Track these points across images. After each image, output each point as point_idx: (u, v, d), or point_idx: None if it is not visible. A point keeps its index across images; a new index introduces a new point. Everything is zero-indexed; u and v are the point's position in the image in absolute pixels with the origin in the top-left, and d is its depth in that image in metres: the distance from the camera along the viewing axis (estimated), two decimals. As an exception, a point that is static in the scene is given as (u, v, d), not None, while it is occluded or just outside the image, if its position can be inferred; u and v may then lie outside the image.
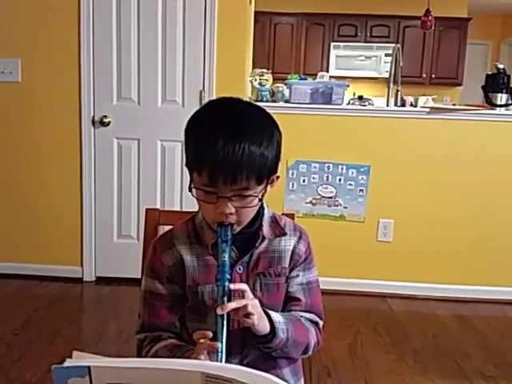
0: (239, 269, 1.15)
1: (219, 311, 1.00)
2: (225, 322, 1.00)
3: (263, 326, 1.08)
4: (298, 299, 1.21)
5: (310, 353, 1.22)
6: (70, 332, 2.80)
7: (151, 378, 0.71)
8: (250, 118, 1.08)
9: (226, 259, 1.06)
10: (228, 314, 1.01)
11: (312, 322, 1.22)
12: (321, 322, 1.25)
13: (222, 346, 0.98)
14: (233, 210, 1.06)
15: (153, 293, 1.19)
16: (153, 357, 1.14)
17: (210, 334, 0.99)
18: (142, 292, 1.21)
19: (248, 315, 1.03)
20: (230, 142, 1.01)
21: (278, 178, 1.13)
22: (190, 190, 1.09)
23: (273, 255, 1.18)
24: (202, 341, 1.00)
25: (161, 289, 1.18)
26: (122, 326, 2.87)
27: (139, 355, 1.25)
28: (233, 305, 1.01)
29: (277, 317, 1.11)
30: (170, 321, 1.19)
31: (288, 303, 1.22)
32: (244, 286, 1.06)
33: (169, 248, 1.18)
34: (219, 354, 0.97)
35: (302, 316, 1.21)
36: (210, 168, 1.02)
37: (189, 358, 1.02)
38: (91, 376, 0.70)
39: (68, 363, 0.70)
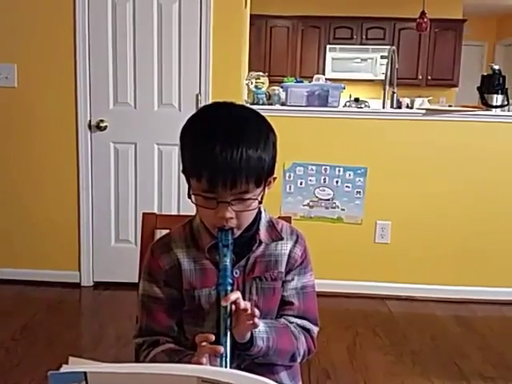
0: (236, 273, 1.15)
1: (224, 304, 0.99)
2: (228, 324, 0.99)
3: (243, 334, 1.07)
4: (292, 303, 1.21)
5: (299, 360, 1.21)
6: (68, 337, 2.79)
7: (147, 383, 0.71)
8: (246, 122, 1.08)
9: (228, 264, 1.05)
10: (231, 317, 1.00)
11: (304, 329, 1.21)
12: (315, 329, 1.24)
13: (226, 350, 0.97)
14: (233, 214, 1.06)
15: (150, 297, 1.19)
16: (151, 362, 1.13)
17: (213, 338, 0.98)
18: (139, 296, 1.21)
19: (252, 317, 1.02)
20: (227, 148, 1.01)
21: (274, 179, 1.13)
22: (190, 197, 1.09)
23: (269, 259, 1.18)
24: (203, 344, 0.99)
25: (158, 292, 1.18)
26: (120, 330, 2.87)
27: (137, 360, 1.25)
28: (234, 296, 1.00)
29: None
30: (168, 325, 1.18)
31: (281, 307, 1.21)
32: (236, 295, 1.02)
33: (166, 251, 1.18)
34: (223, 359, 0.96)
35: (293, 322, 1.20)
36: (209, 174, 1.02)
37: (189, 362, 1.02)
38: (87, 381, 0.70)
39: (64, 369, 0.70)
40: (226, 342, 0.98)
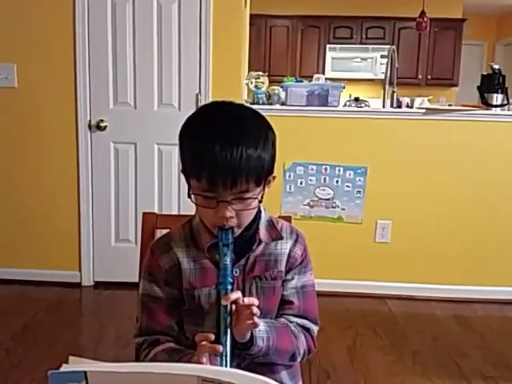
0: (236, 272, 1.15)
1: (224, 303, 1.00)
2: (228, 323, 0.99)
3: (243, 334, 1.07)
4: (292, 302, 1.21)
5: (299, 360, 1.21)
6: (68, 337, 2.79)
7: (147, 383, 0.71)
8: (245, 121, 1.08)
9: (228, 263, 1.05)
10: (231, 316, 1.00)
11: (304, 328, 1.21)
12: (315, 328, 1.24)
13: (226, 349, 0.97)
14: (233, 214, 1.06)
15: (150, 296, 1.18)
16: (151, 361, 1.13)
17: (212, 337, 0.99)
18: (139, 296, 1.21)
19: (252, 316, 1.02)
20: (227, 147, 1.01)
21: (274, 178, 1.13)
22: (190, 197, 1.09)
23: (269, 258, 1.19)
24: (203, 343, 0.99)
25: (158, 292, 1.18)
26: (120, 330, 2.87)
27: (137, 359, 1.25)
28: (234, 295, 1.01)
29: None
30: (168, 324, 1.18)
31: (281, 306, 1.21)
32: (237, 295, 1.03)
33: (166, 251, 1.18)
34: (223, 358, 0.97)
35: (293, 321, 1.20)
36: (210, 174, 1.02)
37: (189, 361, 1.02)
38: (87, 381, 0.70)
39: (64, 368, 0.70)
40: (225, 341, 0.98)
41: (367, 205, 3.38)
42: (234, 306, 1.02)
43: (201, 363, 0.98)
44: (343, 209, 3.40)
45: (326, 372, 2.48)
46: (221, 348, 0.96)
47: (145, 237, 1.43)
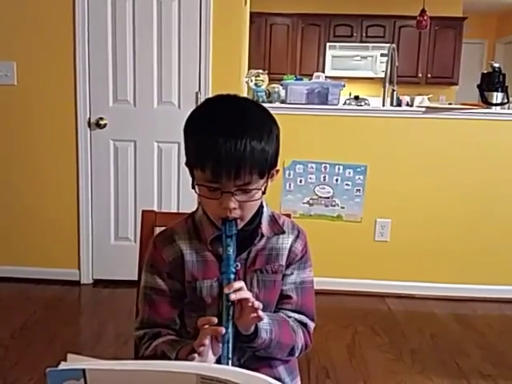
0: (237, 265, 1.15)
1: (226, 291, 1.02)
2: (231, 312, 1.01)
3: (247, 327, 1.08)
4: (290, 297, 1.22)
5: (297, 355, 1.22)
6: (67, 335, 2.79)
7: (146, 380, 0.71)
8: (249, 114, 1.10)
9: (231, 253, 1.07)
10: (233, 305, 1.02)
11: (301, 323, 1.22)
12: (311, 324, 1.25)
13: (228, 337, 0.99)
14: (237, 205, 1.07)
15: (153, 288, 1.19)
16: (151, 354, 1.14)
17: (215, 320, 1.00)
18: (141, 288, 1.22)
19: (255, 309, 1.03)
20: (231, 139, 1.02)
21: (277, 171, 1.15)
22: (194, 188, 1.10)
23: (270, 253, 1.20)
24: (206, 326, 1.00)
25: (161, 284, 1.18)
26: (119, 328, 2.87)
27: (137, 353, 1.25)
28: (238, 284, 1.03)
29: None
30: (170, 317, 1.19)
31: (280, 301, 1.22)
32: (240, 284, 1.05)
33: (169, 243, 1.19)
34: (225, 345, 0.98)
35: (291, 316, 1.21)
36: (214, 165, 1.03)
37: (191, 347, 1.03)
38: (86, 378, 0.70)
39: (63, 366, 0.70)
40: (227, 328, 1.00)
41: (367, 203, 3.38)
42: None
43: (203, 345, 0.99)
44: (343, 207, 3.39)
45: (324, 370, 2.48)
46: (223, 330, 0.98)
47: (144, 235, 1.43)
